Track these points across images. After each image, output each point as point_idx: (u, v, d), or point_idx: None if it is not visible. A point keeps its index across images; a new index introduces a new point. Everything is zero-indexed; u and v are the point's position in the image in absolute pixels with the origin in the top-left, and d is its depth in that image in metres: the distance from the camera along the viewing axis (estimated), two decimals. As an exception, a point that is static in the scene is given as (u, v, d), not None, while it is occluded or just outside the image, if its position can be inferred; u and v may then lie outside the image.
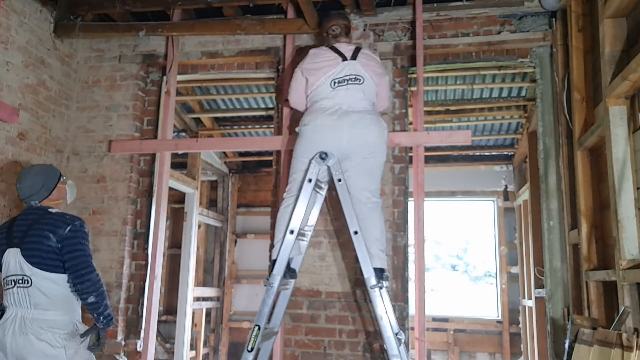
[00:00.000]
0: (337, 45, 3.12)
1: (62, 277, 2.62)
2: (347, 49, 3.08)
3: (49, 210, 2.73)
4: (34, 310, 2.55)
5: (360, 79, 3.00)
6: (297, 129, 3.08)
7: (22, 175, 2.81)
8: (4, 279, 2.65)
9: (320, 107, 3.00)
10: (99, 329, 2.66)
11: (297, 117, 3.35)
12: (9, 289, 2.61)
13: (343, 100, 2.96)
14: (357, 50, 3.08)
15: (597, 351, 2.38)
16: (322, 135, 2.92)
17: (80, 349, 2.63)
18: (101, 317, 2.64)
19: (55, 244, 2.59)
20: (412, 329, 3.42)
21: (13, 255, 2.61)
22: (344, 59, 3.03)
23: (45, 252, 2.59)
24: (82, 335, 2.64)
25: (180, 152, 4.47)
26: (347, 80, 2.98)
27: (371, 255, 2.81)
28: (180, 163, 5.58)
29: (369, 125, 2.94)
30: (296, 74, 3.17)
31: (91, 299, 2.60)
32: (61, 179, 2.84)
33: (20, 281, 2.57)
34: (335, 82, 2.99)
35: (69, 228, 2.62)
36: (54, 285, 2.59)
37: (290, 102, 3.29)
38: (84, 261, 2.61)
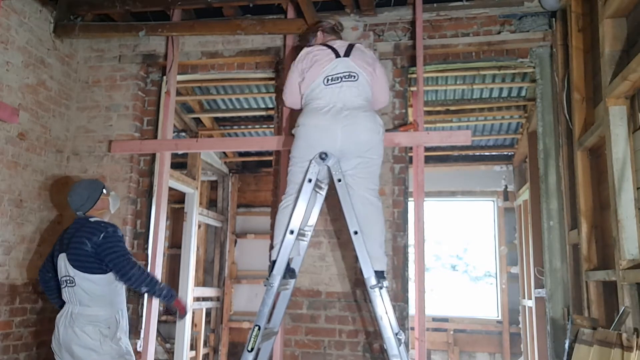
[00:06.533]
0: (330, 42, 3.08)
1: (100, 278, 2.92)
2: (340, 45, 3.04)
3: (90, 219, 3.03)
4: (79, 307, 2.91)
5: (354, 76, 2.94)
6: (293, 131, 3.04)
7: (72, 189, 3.13)
8: (60, 279, 3.00)
9: (314, 107, 2.93)
10: (168, 304, 3.11)
11: (296, 117, 3.34)
12: (63, 287, 2.98)
13: (337, 98, 2.90)
14: (350, 47, 3.02)
15: (597, 351, 2.38)
16: (317, 135, 2.87)
17: (117, 342, 2.91)
18: (161, 297, 3.05)
19: (91, 249, 2.90)
20: (412, 329, 3.42)
21: (62, 259, 2.96)
22: (337, 55, 2.98)
23: (83, 256, 2.91)
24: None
25: (180, 152, 4.47)
26: (341, 78, 2.93)
27: (372, 256, 2.79)
28: (180, 163, 5.58)
29: (363, 123, 2.86)
30: (292, 73, 3.11)
31: (144, 289, 2.99)
32: (104, 191, 3.14)
33: (68, 281, 2.93)
34: (328, 80, 2.93)
35: (102, 235, 2.92)
36: (92, 284, 2.90)
37: (286, 102, 3.23)
38: (121, 261, 2.91)
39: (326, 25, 3.21)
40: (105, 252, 2.90)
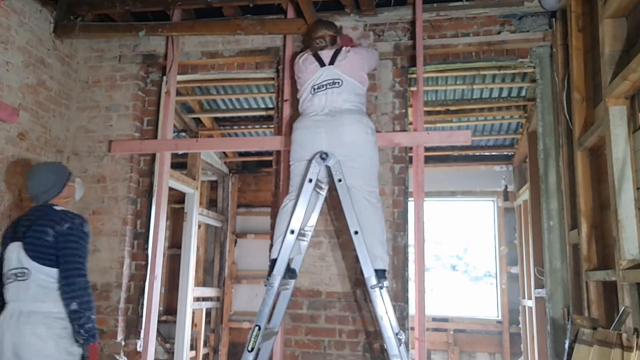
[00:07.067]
0: (319, 52, 3.18)
1: (57, 272, 2.59)
2: (327, 54, 3.15)
3: (54, 207, 2.72)
4: (31, 303, 2.54)
5: (338, 82, 3.05)
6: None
7: (32, 173, 2.80)
8: (5, 273, 2.65)
9: (304, 112, 3.12)
10: (81, 346, 2.54)
11: (296, 116, 3.35)
12: (9, 283, 2.61)
13: (325, 103, 3.04)
14: (335, 54, 3.13)
15: (597, 351, 2.38)
16: (304, 138, 3.01)
17: (73, 345, 2.55)
18: (82, 330, 2.52)
19: (53, 239, 2.57)
20: (412, 329, 3.42)
21: (15, 249, 2.62)
22: (322, 64, 3.11)
23: (44, 247, 2.58)
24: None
25: (180, 152, 4.47)
26: (325, 86, 3.07)
27: (373, 256, 2.81)
28: (180, 163, 5.58)
29: (347, 124, 2.95)
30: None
31: (73, 306, 2.51)
32: (70, 177, 2.86)
33: (20, 274, 2.57)
34: (314, 89, 3.09)
35: (67, 225, 2.61)
36: (50, 279, 2.57)
37: None
38: (74, 261, 2.58)
39: (321, 43, 3.24)
40: (63, 244, 2.57)
